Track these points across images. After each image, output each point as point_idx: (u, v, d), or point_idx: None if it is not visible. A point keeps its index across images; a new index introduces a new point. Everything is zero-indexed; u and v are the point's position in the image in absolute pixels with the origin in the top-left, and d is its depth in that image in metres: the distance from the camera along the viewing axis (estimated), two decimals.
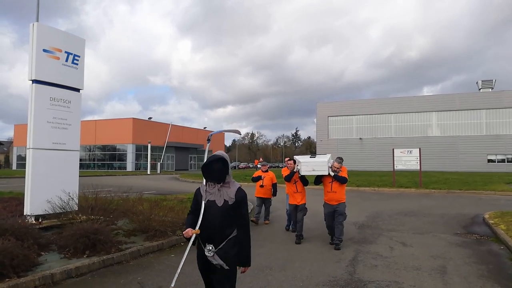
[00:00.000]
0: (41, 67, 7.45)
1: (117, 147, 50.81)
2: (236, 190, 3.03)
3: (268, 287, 4.92)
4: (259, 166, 10.33)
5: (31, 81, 7.41)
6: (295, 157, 7.70)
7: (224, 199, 2.97)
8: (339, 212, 7.10)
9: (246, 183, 22.22)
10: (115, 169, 49.66)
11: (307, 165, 7.23)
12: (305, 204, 7.69)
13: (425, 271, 5.59)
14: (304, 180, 7.64)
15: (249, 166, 76.56)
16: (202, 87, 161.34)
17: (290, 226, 8.67)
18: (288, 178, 7.64)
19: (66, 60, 7.92)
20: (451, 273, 5.48)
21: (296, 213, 7.67)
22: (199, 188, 3.15)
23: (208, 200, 3.01)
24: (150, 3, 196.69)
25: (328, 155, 7.44)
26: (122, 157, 50.26)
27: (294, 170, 7.52)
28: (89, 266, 5.56)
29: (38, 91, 7.44)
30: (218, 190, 3.01)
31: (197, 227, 2.95)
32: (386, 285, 4.95)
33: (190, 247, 3.11)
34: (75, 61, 8.09)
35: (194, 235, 2.95)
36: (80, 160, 52.22)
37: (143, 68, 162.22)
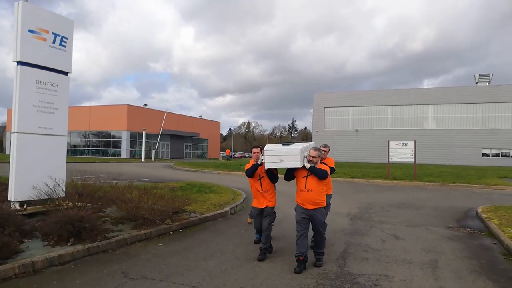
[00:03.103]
0: (27, 48, 7.17)
1: (111, 134, 50.42)
2: None
3: (255, 279, 4.79)
4: (237, 155, 8.38)
5: (16, 63, 7.15)
6: (267, 146, 5.81)
7: None
8: (316, 220, 5.25)
9: (241, 172, 22.12)
10: (109, 155, 49.33)
11: (273, 154, 5.42)
12: (273, 207, 5.92)
13: (416, 265, 5.49)
14: (272, 175, 5.81)
15: (245, 156, 76.53)
16: (202, 75, 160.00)
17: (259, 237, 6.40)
18: (251, 173, 5.77)
19: (54, 42, 7.65)
20: (442, 268, 5.38)
21: (260, 219, 5.93)
22: None
23: None
24: None
25: (309, 144, 5.82)
26: (116, 144, 49.90)
27: (259, 162, 5.67)
28: (72, 255, 5.41)
29: (24, 73, 7.18)
30: None
31: None
32: (376, 278, 4.84)
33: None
34: (63, 43, 7.82)
35: None
36: (75, 146, 52.12)
37: (144, 54, 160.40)
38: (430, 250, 6.35)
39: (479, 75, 49.26)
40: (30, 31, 7.23)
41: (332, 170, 5.92)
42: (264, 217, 5.83)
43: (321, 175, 5.19)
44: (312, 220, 5.26)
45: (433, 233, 7.72)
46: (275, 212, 6.07)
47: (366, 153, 48.04)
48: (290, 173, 5.50)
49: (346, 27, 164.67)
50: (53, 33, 7.62)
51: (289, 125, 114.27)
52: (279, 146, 5.67)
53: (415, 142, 20.48)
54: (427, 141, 44.32)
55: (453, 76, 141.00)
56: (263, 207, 5.86)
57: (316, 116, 53.29)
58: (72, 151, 51.06)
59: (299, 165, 5.24)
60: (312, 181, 5.22)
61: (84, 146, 52.31)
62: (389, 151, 20.62)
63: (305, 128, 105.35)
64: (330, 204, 6.33)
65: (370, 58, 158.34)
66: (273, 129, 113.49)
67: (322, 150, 6.02)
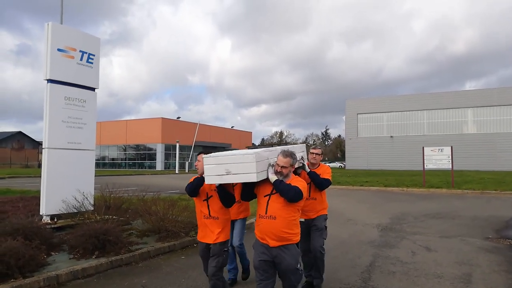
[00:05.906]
0: (56, 66, 7.50)
1: (147, 147, 51.82)
2: None
3: None
4: None
5: (46, 81, 7.47)
6: (220, 153, 3.85)
7: None
8: (283, 265, 3.36)
9: None
10: (145, 168, 50.66)
11: (216, 162, 3.53)
12: (225, 243, 3.86)
13: (447, 279, 5.16)
14: (224, 195, 3.73)
15: None
16: (238, 86, 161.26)
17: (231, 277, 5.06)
18: (191, 190, 3.88)
19: (81, 59, 7.95)
20: (476, 282, 5.02)
21: (206, 259, 3.94)
22: None
23: None
24: (193, 2, 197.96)
25: (285, 147, 3.87)
26: (152, 156, 51.20)
27: (204, 175, 3.70)
28: (96, 267, 5.49)
29: (53, 91, 7.49)
30: None
31: None
32: None
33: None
34: (90, 60, 8.11)
35: None
36: (112, 159, 53.94)
37: (182, 67, 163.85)
38: (465, 263, 5.96)
39: None
40: (59, 49, 7.55)
41: (327, 183, 4.64)
42: (211, 257, 3.83)
43: (288, 195, 3.28)
44: (278, 265, 3.39)
45: (469, 245, 7.27)
46: (227, 249, 3.91)
47: (402, 160, 46.51)
48: (250, 190, 3.61)
49: (383, 32, 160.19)
50: (80, 51, 7.92)
51: (322, 133, 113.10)
52: (229, 152, 4.00)
53: (451, 147, 19.61)
54: (467, 146, 42.42)
55: (497, 77, 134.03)
56: (207, 241, 3.87)
57: (349, 123, 52.35)
58: (111, 164, 52.86)
59: (254, 178, 3.34)
60: (276, 204, 3.37)
61: (122, 160, 53.99)
62: (424, 158, 19.86)
63: (339, 136, 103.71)
64: (326, 227, 4.80)
65: (408, 62, 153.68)
66: (306, 138, 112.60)
67: (313, 153, 4.71)
